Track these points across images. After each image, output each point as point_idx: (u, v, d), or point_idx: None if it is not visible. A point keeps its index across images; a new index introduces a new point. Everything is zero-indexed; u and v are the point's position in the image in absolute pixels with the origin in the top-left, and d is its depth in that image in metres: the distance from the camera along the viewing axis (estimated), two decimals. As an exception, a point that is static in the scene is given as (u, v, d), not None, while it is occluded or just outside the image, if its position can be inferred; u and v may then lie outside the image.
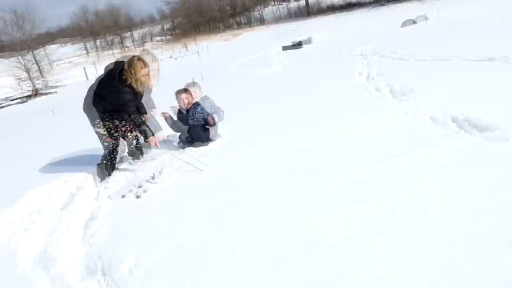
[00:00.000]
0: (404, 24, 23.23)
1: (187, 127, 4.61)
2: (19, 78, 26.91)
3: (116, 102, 3.85)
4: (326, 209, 2.68)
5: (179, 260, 2.41)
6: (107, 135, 4.06)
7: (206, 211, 2.96)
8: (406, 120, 4.22)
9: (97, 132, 4.09)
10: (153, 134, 4.04)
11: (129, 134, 4.30)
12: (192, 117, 4.54)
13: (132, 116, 3.92)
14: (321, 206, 2.73)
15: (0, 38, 33.44)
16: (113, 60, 4.29)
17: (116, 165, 4.29)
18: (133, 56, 4.01)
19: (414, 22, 23.42)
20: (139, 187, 3.57)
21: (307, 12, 56.37)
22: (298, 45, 21.57)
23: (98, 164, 4.18)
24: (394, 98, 5.30)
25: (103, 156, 4.20)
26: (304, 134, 4.35)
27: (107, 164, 4.17)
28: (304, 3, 59.90)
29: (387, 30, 19.85)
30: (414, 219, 2.35)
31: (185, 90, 4.57)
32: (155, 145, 4.06)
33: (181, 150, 4.50)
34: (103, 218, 3.17)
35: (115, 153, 4.19)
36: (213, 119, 4.52)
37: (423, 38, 11.77)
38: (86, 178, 4.18)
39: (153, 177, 3.73)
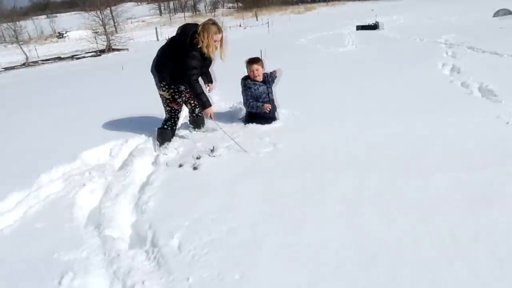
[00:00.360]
0: (497, 14, 20.99)
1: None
2: (96, 32, 28.27)
3: (181, 65, 3.74)
4: (395, 217, 2.40)
5: (230, 246, 2.28)
6: (171, 99, 3.99)
7: (264, 197, 2.80)
8: (498, 125, 3.72)
9: (161, 95, 4.03)
10: (210, 105, 3.91)
11: (192, 101, 4.21)
12: (271, 91, 4.38)
13: (192, 83, 3.78)
14: (391, 212, 2.46)
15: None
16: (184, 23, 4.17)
17: (176, 132, 4.24)
18: (208, 20, 3.86)
19: (510, 12, 21.10)
20: (197, 158, 3.49)
21: (389, -9, 53.07)
22: (374, 26, 20.36)
23: (159, 128, 4.16)
24: (484, 97, 4.72)
25: (164, 121, 4.17)
26: (378, 125, 3.99)
27: (167, 130, 4.14)
28: (387, -19, 56.42)
29: (476, 18, 18.08)
30: (499, 243, 2.02)
31: (258, 60, 4.35)
32: (210, 117, 3.93)
33: (240, 124, 4.35)
34: (158, 185, 3.13)
35: (176, 119, 4.14)
36: (269, 108, 4.29)
37: (522, 32, 10.51)
38: (146, 141, 4.18)
39: (212, 150, 3.63)
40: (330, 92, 5.65)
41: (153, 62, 3.99)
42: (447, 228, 2.25)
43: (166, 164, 3.52)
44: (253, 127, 4.22)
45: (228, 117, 4.78)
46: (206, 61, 3.89)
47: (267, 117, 4.32)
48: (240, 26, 31.72)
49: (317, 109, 4.76)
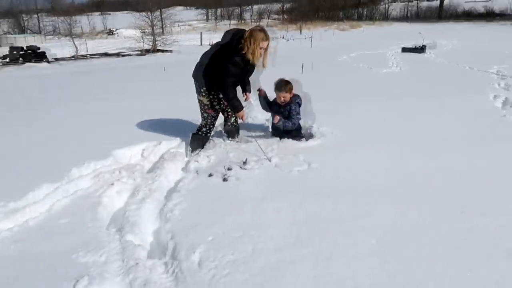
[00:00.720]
0: (554, 48, 19.91)
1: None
2: (144, 32, 29.09)
3: (221, 69, 3.67)
4: (435, 261, 2.18)
5: (253, 269, 2.14)
6: (209, 105, 3.92)
7: (293, 219, 2.64)
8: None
9: (200, 101, 3.96)
10: (242, 108, 3.84)
11: (228, 109, 4.12)
12: (287, 113, 4.17)
13: (225, 87, 3.69)
14: (430, 255, 2.23)
15: (137, -7, 36.53)
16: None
17: (210, 139, 4.17)
18: (256, 26, 3.79)
19: None
20: (228, 169, 3.38)
21: (439, 15, 51.67)
22: (421, 49, 19.73)
23: (193, 134, 4.10)
24: (541, 136, 4.35)
25: (199, 127, 4.10)
26: (421, 155, 3.74)
27: (202, 136, 4.07)
28: (438, 4, 55.03)
29: (531, 51, 17.15)
30: None
31: (285, 87, 4.12)
32: (242, 119, 3.90)
33: (276, 139, 4.21)
34: (186, 194, 3.04)
35: (211, 126, 4.06)
36: (277, 120, 4.08)
37: None
38: (179, 145, 4.13)
39: (244, 162, 3.51)
40: (370, 114, 5.42)
41: (195, 66, 3.94)
42: (495, 280, 2.00)
43: (196, 171, 3.43)
44: (289, 143, 4.07)
45: (262, 129, 4.66)
46: (249, 67, 3.78)
47: (288, 132, 4.17)
48: (283, 37, 31.74)
49: (357, 130, 4.55)
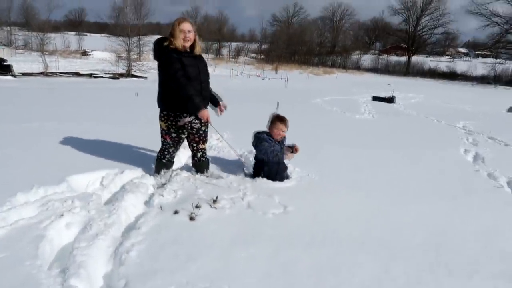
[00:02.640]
0: (511, 110, 21.18)
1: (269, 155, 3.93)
2: (120, 56, 28.78)
3: (163, 73, 3.48)
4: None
5: (219, 333, 1.79)
6: (166, 131, 3.69)
7: (267, 270, 2.33)
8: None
9: (160, 125, 3.73)
10: (204, 107, 3.52)
11: (194, 143, 3.83)
12: (282, 152, 3.97)
13: (179, 82, 3.37)
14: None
15: (117, 19, 36.36)
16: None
17: (179, 172, 3.85)
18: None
19: (524, 110, 21.26)
20: (196, 206, 3.05)
21: (406, 70, 54.63)
22: (390, 99, 20.50)
23: (156, 159, 3.89)
24: (515, 195, 4.31)
25: (159, 152, 3.85)
26: (399, 206, 3.57)
27: (159, 162, 3.86)
28: (406, 59, 58.27)
29: (490, 110, 18.11)
30: None
31: (287, 121, 3.94)
32: (206, 120, 3.53)
33: (250, 178, 3.92)
34: (146, 232, 2.68)
35: (167, 154, 3.82)
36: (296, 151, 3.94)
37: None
38: (143, 176, 3.77)
39: (215, 200, 3.19)
40: (346, 159, 5.28)
41: None
42: None
43: (160, 207, 3.08)
44: (263, 182, 3.81)
45: (236, 166, 4.38)
46: (190, 59, 3.51)
47: (277, 178, 3.91)
48: (259, 76, 32.26)
49: (333, 174, 4.36)
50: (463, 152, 6.63)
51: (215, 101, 3.83)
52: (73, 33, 67.03)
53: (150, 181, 3.68)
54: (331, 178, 4.20)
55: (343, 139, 6.86)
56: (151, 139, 4.81)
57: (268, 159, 3.87)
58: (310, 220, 3.07)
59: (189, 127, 3.71)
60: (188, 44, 3.51)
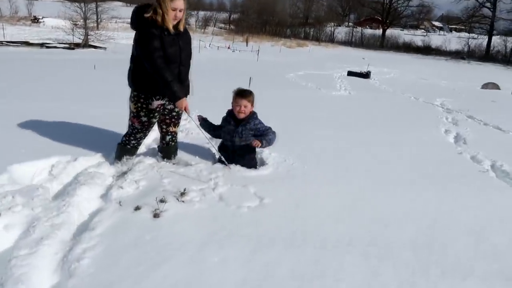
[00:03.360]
0: (486, 86, 21.77)
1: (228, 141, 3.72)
2: (75, 24, 27.22)
3: (139, 51, 3.10)
4: None
5: None
6: (135, 113, 3.34)
7: (244, 276, 2.12)
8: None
9: (129, 106, 3.38)
10: (183, 96, 3.19)
11: (164, 125, 3.54)
12: (241, 135, 3.62)
13: (156, 66, 3.03)
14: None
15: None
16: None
17: (142, 159, 3.54)
18: None
19: (498, 87, 21.91)
20: (161, 201, 2.78)
21: (381, 43, 55.07)
22: (365, 74, 20.57)
23: (119, 144, 3.53)
24: (499, 179, 4.28)
25: (124, 136, 3.50)
26: (385, 194, 3.43)
27: (123, 147, 3.51)
28: (381, 33, 58.68)
29: (465, 86, 18.55)
30: None
31: (249, 95, 3.62)
32: (185, 110, 3.24)
33: (223, 165, 3.66)
34: (101, 234, 2.39)
35: (138, 139, 3.48)
36: (260, 144, 3.51)
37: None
38: (100, 164, 3.44)
39: (182, 193, 2.93)
40: (324, 141, 5.11)
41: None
42: None
43: (119, 202, 2.78)
44: (236, 170, 3.56)
45: (205, 151, 4.11)
46: (173, 37, 3.16)
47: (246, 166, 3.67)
48: (229, 48, 31.54)
49: (313, 160, 4.17)
50: (443, 132, 6.63)
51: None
52: (22, -3, 62.92)
53: (109, 170, 3.37)
54: (310, 164, 4.01)
55: (321, 119, 6.69)
56: (110, 120, 4.46)
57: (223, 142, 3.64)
58: (289, 215, 2.87)
59: (161, 109, 3.40)
60: (175, 23, 3.15)
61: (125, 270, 2.09)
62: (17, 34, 29.34)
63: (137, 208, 2.70)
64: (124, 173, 3.38)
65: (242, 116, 3.62)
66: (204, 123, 3.82)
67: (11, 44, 22.23)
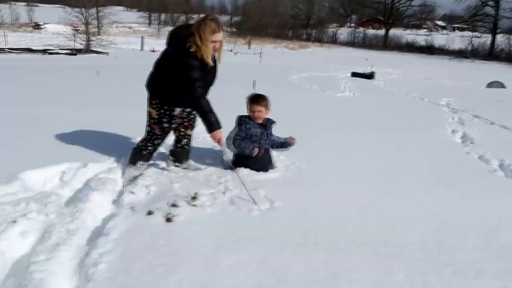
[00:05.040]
0: (490, 85, 21.74)
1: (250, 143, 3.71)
2: (76, 30, 27.44)
3: (181, 80, 3.11)
4: None
5: None
6: (156, 120, 3.38)
7: (258, 280, 2.16)
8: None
9: (148, 112, 3.40)
10: (219, 127, 3.20)
11: (182, 128, 3.59)
12: (266, 138, 3.72)
13: (197, 99, 3.09)
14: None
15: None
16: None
17: (151, 163, 3.59)
18: (206, 15, 3.19)
19: (503, 85, 21.88)
20: (172, 205, 2.83)
21: (384, 43, 55.08)
22: (369, 75, 20.59)
23: (134, 148, 3.56)
24: (508, 177, 4.31)
25: (141, 141, 3.53)
26: (394, 196, 3.47)
27: (141, 153, 3.52)
28: (383, 34, 58.71)
29: (470, 86, 18.54)
30: None
31: (263, 100, 3.68)
32: (219, 142, 3.25)
33: (232, 170, 3.70)
34: (116, 239, 2.44)
35: (151, 145, 3.51)
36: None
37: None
38: (111, 170, 3.50)
39: (193, 197, 2.98)
40: (332, 143, 5.16)
41: (148, 77, 3.38)
42: None
43: (132, 207, 2.83)
44: (246, 173, 3.60)
45: (214, 155, 4.15)
46: (208, 67, 3.20)
47: (264, 168, 3.72)
48: (231, 51, 31.67)
49: (321, 162, 4.22)
50: (450, 132, 6.66)
51: None
52: (22, 3, 63.49)
53: (119, 175, 3.42)
54: (318, 166, 4.05)
55: (327, 121, 6.74)
56: (118, 125, 4.52)
57: (239, 148, 3.66)
58: (300, 217, 2.91)
59: (180, 113, 3.45)
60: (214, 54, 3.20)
61: (141, 274, 2.13)
62: (19, 41, 29.61)
63: (150, 213, 2.75)
64: (135, 178, 3.44)
65: (259, 121, 3.70)
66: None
67: (14, 51, 22.42)
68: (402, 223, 2.96)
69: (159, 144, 3.57)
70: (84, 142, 4.10)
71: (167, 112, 3.35)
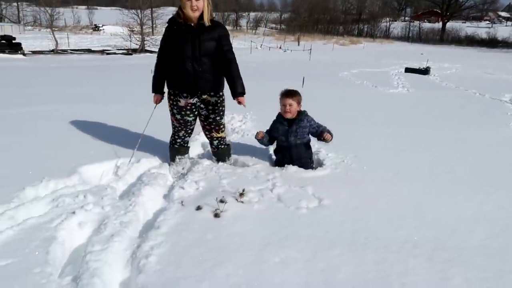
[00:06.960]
0: (561, 80, 20.08)
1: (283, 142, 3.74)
2: (132, 30, 28.56)
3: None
4: None
5: None
6: (171, 112, 3.54)
7: (306, 278, 2.13)
8: None
9: None
10: (156, 92, 3.58)
11: (207, 132, 3.66)
12: (296, 133, 3.65)
13: (155, 65, 3.50)
14: None
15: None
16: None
17: (199, 160, 3.66)
18: None
19: None
20: (220, 201, 2.86)
21: (441, 37, 52.53)
22: (424, 71, 19.71)
23: (169, 145, 3.73)
24: None
25: (170, 136, 3.71)
26: (450, 197, 3.29)
27: (172, 147, 3.69)
28: (440, 26, 56.00)
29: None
30: None
31: (294, 94, 3.66)
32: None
33: (279, 167, 3.70)
34: (167, 232, 2.50)
35: (182, 137, 3.62)
36: (330, 137, 3.63)
37: None
38: (162, 165, 3.61)
39: (241, 194, 2.99)
40: (383, 141, 4.98)
41: None
42: None
43: (181, 202, 2.90)
44: (294, 171, 3.58)
45: (262, 152, 4.16)
46: (195, 32, 3.22)
47: (303, 161, 3.69)
48: (280, 48, 31.59)
49: (371, 160, 4.09)
50: (515, 130, 6.21)
51: (233, 88, 3.31)
52: (83, 7, 67.19)
53: (169, 171, 3.51)
54: (369, 164, 3.93)
55: (378, 118, 6.52)
56: (167, 121, 4.63)
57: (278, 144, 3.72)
58: (349, 216, 2.84)
59: (195, 111, 3.49)
60: (197, 14, 3.20)
61: (190, 267, 2.17)
62: (80, 42, 31.36)
63: (198, 208, 2.80)
64: (183, 173, 3.52)
65: (289, 115, 3.65)
66: (263, 140, 3.79)
67: (75, 52, 23.79)
68: (461, 226, 2.79)
69: (184, 136, 3.63)
70: (138, 138, 4.24)
71: (174, 103, 3.45)
